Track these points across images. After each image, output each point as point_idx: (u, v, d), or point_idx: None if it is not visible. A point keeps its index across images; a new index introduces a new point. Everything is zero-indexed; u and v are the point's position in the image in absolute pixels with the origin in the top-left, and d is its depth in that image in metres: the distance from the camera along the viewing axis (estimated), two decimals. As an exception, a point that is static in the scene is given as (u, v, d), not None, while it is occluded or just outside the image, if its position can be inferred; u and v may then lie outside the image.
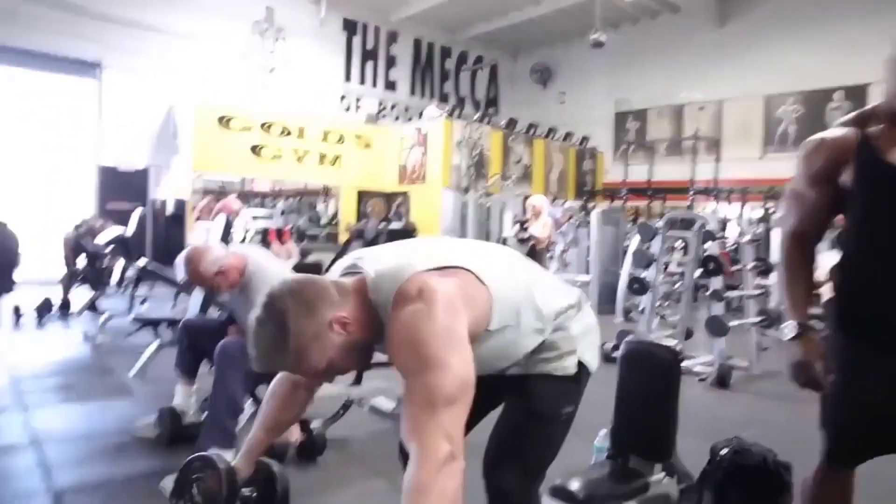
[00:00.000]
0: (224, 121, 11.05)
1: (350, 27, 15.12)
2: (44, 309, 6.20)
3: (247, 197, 16.45)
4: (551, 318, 1.47)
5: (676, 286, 5.84)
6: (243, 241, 8.94)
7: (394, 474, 2.73)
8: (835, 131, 1.69)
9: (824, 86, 11.55)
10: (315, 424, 2.98)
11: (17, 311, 6.05)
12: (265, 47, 13.02)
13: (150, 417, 3.13)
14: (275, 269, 2.90)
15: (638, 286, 5.49)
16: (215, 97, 11.23)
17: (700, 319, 5.31)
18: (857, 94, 11.18)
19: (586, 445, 2.74)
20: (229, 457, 2.46)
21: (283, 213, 11.50)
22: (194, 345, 3.11)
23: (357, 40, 15.26)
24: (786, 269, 1.74)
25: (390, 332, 1.21)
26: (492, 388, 1.46)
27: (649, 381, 2.14)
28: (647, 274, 5.59)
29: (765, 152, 12.40)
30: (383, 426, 3.38)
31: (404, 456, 1.56)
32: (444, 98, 16.28)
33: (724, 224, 6.76)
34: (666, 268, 5.87)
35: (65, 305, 6.44)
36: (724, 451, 2.31)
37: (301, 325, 1.19)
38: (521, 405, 1.53)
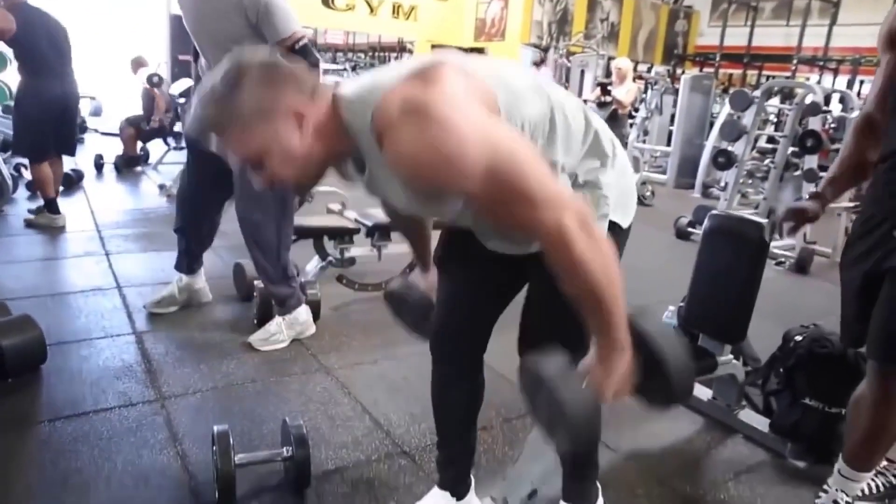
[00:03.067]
0: (296, -34, 10.59)
1: None
2: (122, 159, 6.39)
3: (318, 51, 16.06)
4: (578, 158, 1.18)
5: (765, 162, 5.45)
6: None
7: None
8: None
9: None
10: (312, 290, 2.81)
11: (98, 160, 6.26)
12: None
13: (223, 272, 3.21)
14: None
15: (723, 160, 5.14)
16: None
17: (784, 200, 4.97)
18: None
19: (652, 321, 2.68)
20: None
21: (354, 67, 11.22)
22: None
23: None
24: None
25: (403, 168, 0.97)
26: (511, 271, 1.33)
27: (732, 258, 2.00)
28: (735, 147, 5.22)
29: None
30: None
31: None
32: (528, -55, 15.02)
33: (828, 98, 6.16)
34: (755, 142, 5.46)
35: (145, 157, 6.62)
36: (799, 338, 2.20)
37: (256, 94, 1.00)
38: (549, 285, 1.14)
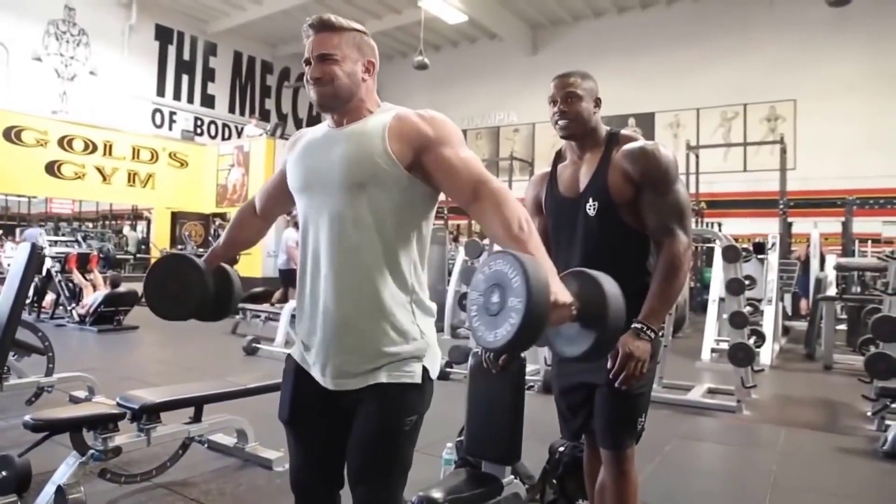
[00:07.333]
0: (14, 132, 9.81)
1: (164, 35, 14.23)
2: None
3: (39, 221, 14.70)
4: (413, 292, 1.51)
5: (502, 299, 6.19)
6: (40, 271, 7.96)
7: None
8: (544, 169, 2.09)
9: (620, 112, 12.97)
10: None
11: None
12: (64, 51, 11.79)
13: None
14: None
15: (466, 302, 5.72)
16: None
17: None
18: (646, 120, 12.70)
19: (428, 459, 2.83)
20: None
21: (85, 238, 10.34)
22: None
23: (172, 50, 14.37)
24: None
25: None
26: (343, 420, 1.48)
27: (499, 386, 2.28)
28: (476, 289, 5.86)
29: (571, 173, 13.65)
30: (226, 463, 3.20)
31: None
32: (264, 115, 15.86)
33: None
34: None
35: None
36: (562, 448, 2.52)
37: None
38: (368, 418, 1.46)
